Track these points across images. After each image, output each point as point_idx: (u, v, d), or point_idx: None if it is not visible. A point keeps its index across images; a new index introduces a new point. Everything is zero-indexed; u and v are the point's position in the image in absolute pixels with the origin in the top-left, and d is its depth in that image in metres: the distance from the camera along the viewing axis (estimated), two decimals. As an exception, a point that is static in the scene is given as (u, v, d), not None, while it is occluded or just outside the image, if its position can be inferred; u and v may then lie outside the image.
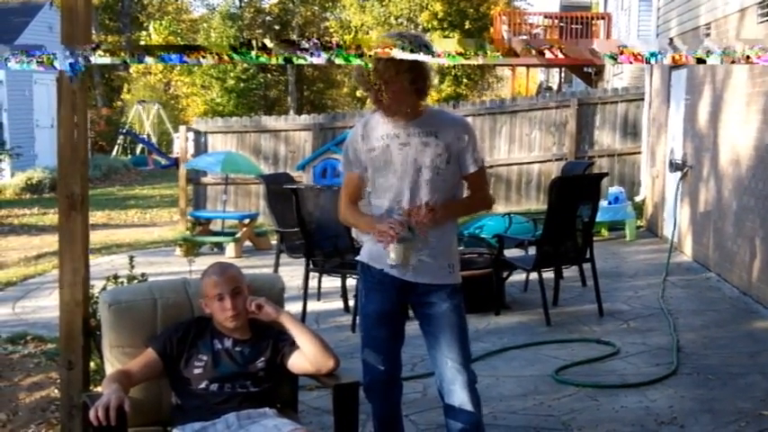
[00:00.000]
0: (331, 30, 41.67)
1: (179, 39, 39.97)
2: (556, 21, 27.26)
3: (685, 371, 6.46)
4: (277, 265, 9.79)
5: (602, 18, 26.85)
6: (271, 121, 16.76)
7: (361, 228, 4.31)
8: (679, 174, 11.51)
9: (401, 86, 4.01)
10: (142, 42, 39.52)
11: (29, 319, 8.67)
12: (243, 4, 44.28)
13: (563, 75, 35.57)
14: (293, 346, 3.94)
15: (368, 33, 36.74)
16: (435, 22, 33.87)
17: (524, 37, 26.97)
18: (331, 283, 8.96)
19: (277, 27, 44.44)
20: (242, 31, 42.07)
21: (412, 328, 4.35)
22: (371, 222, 4.12)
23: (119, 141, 32.54)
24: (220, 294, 3.93)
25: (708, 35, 10.65)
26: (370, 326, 4.27)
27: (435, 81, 33.67)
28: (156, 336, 3.99)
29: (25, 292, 10.08)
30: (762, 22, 8.66)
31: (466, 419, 4.14)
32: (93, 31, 34.29)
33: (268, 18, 44.90)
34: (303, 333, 3.95)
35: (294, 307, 7.57)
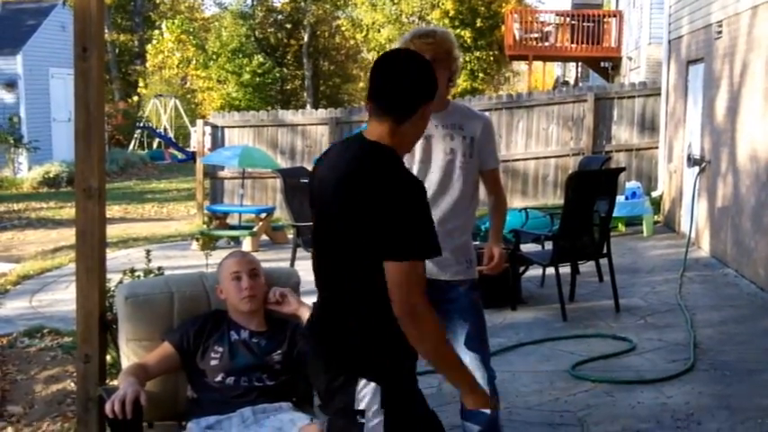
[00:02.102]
0: (342, 28, 41.63)
1: (191, 37, 40.08)
2: (567, 19, 27.17)
3: (702, 367, 6.44)
4: (293, 259, 9.80)
5: (614, 16, 26.78)
6: (288, 116, 16.77)
7: None
8: (697, 169, 11.45)
9: (446, 68, 4.01)
10: (155, 41, 39.73)
11: (46, 312, 8.71)
12: (254, 3, 44.30)
13: (580, 69, 35.46)
14: None
15: (379, 31, 36.69)
16: (447, 20, 33.80)
17: (536, 35, 26.96)
18: (347, 277, 8.94)
19: (288, 26, 44.45)
20: (253, 29, 42.12)
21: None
22: None
23: (136, 135, 32.68)
24: (238, 273, 3.95)
25: (720, 32, 10.60)
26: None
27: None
28: (172, 329, 4.00)
29: (42, 285, 10.12)
30: (781, 17, 8.61)
31: (484, 417, 4.12)
32: (106, 30, 34.48)
33: (279, 17, 44.92)
34: None
35: (309, 301, 7.57)
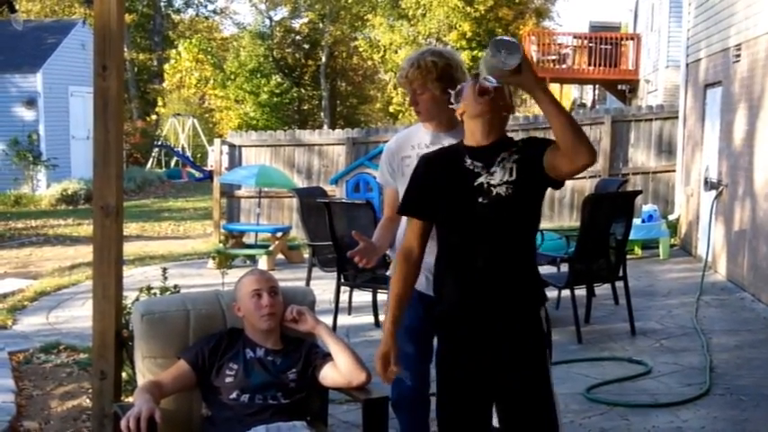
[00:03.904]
0: (360, 49, 41.79)
1: (209, 57, 40.30)
2: (585, 41, 27.22)
3: (718, 391, 6.40)
4: (309, 278, 9.81)
5: (632, 39, 26.83)
6: (305, 135, 16.82)
7: None
8: (714, 192, 11.42)
9: (431, 95, 4.09)
10: (173, 61, 39.94)
11: (62, 328, 8.74)
12: (273, 24, 44.56)
13: (597, 92, 35.47)
14: (325, 358, 3.95)
15: (396, 52, 36.83)
16: (464, 42, 33.94)
17: (553, 57, 27.02)
18: (362, 297, 8.96)
19: (306, 46, 44.71)
20: (272, 50, 42.35)
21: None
22: (365, 246, 4.12)
23: (153, 154, 32.80)
24: (258, 291, 3.95)
25: (738, 56, 10.59)
26: (399, 341, 4.26)
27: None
28: (188, 347, 4.01)
29: (59, 302, 10.16)
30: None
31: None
32: (125, 49, 34.63)
33: (297, 37, 45.17)
34: (339, 345, 3.97)
35: (325, 321, 7.57)
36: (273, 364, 3.93)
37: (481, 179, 3.37)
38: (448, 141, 4.13)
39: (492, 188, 3.35)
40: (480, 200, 3.36)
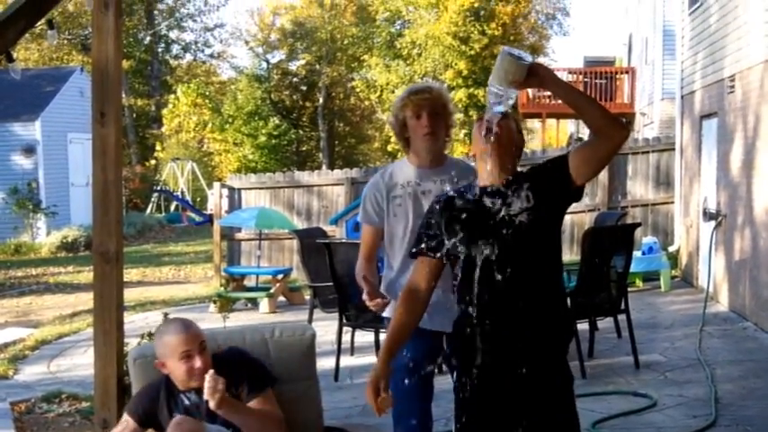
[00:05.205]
0: (357, 89, 42.00)
1: (207, 101, 40.47)
2: (580, 76, 27.32)
3: (724, 422, 6.37)
4: (311, 319, 9.78)
5: (627, 72, 26.94)
6: (304, 176, 16.84)
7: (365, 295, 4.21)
8: (713, 223, 11.43)
9: (443, 122, 4.11)
10: (171, 105, 40.11)
11: (64, 377, 8.71)
12: (270, 67, 44.81)
13: (594, 126, 35.53)
14: (250, 395, 3.82)
15: (393, 92, 37.05)
16: (460, 80, 34.12)
17: (549, 93, 27.10)
18: (364, 337, 8.93)
19: (304, 88, 44.93)
20: (269, 92, 42.57)
21: (446, 381, 4.33)
22: (371, 291, 4.06)
23: (153, 199, 32.85)
24: (188, 352, 3.77)
25: (732, 87, 10.64)
26: (399, 379, 4.24)
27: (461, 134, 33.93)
28: (132, 401, 3.94)
29: (60, 350, 10.12)
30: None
31: None
32: (123, 95, 34.73)
33: (295, 79, 45.42)
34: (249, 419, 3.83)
35: (328, 362, 7.57)
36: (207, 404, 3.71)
37: (502, 213, 3.42)
38: (436, 177, 4.14)
39: (513, 218, 3.40)
40: (504, 231, 3.40)
